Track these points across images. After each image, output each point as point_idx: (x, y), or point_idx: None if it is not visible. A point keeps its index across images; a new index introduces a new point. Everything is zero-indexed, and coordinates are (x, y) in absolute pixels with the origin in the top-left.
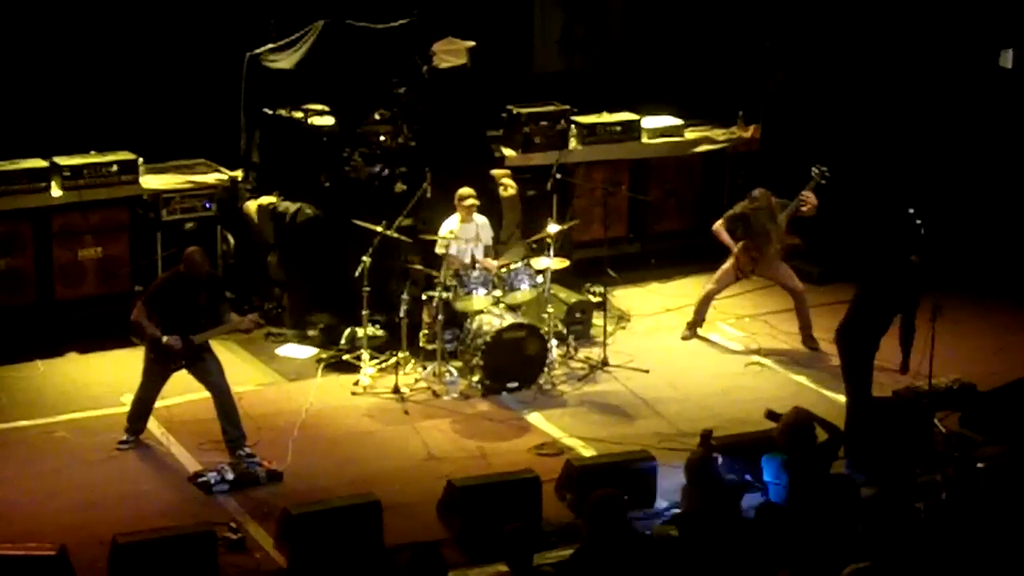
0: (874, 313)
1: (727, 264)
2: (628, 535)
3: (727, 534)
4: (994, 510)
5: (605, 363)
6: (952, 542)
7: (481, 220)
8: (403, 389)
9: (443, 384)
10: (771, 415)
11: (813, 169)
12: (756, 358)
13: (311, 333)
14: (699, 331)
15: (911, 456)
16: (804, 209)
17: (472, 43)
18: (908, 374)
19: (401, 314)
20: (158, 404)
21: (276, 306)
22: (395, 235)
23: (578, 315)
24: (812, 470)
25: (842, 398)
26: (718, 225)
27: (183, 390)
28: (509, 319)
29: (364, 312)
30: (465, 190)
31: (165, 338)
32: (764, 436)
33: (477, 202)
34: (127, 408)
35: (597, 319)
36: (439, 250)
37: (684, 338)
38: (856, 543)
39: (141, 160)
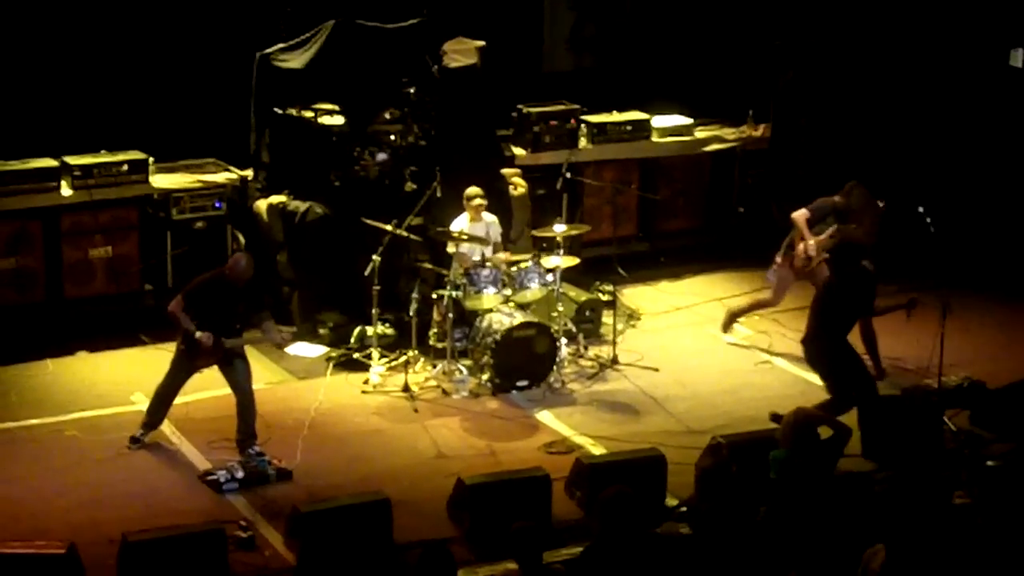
0: (831, 318)
1: (782, 272)
2: (640, 532)
3: (740, 533)
4: (1006, 507)
5: (615, 361)
6: (971, 540)
7: (490, 218)
8: (413, 387)
9: (453, 382)
10: (775, 418)
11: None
12: (766, 356)
13: (321, 331)
14: (730, 330)
15: (922, 454)
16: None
17: (482, 43)
18: (914, 373)
19: (411, 312)
20: None
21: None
22: (405, 234)
23: (588, 313)
24: (816, 468)
25: None
26: (801, 215)
27: (193, 389)
28: (519, 317)
29: (374, 311)
30: (473, 190)
31: (198, 333)
32: (773, 434)
33: (485, 202)
34: (137, 407)
35: (607, 317)
36: (449, 248)
37: (724, 331)
38: (865, 539)
39: (151, 159)
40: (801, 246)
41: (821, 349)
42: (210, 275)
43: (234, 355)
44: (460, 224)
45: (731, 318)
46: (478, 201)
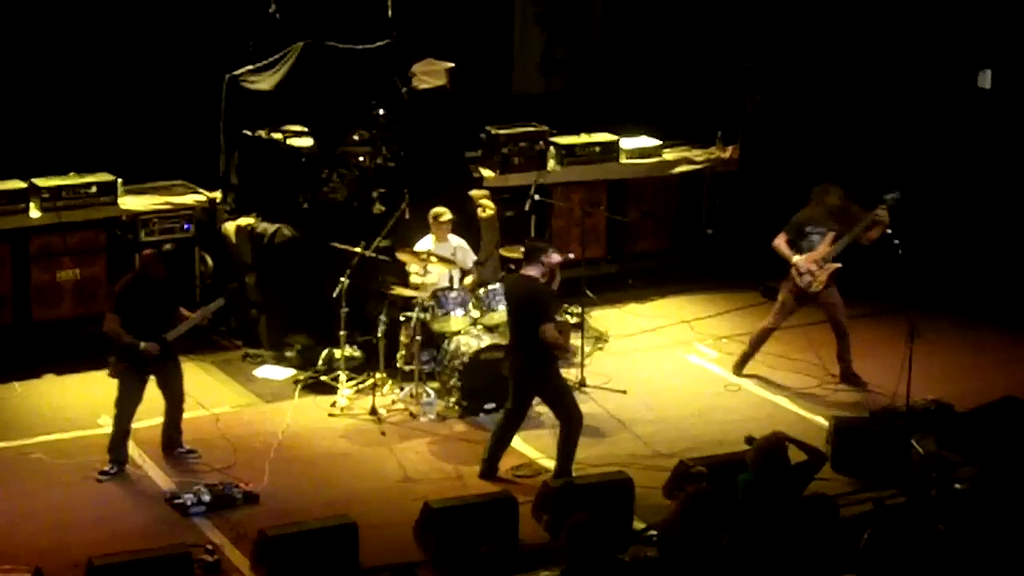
0: None
1: (782, 296)
2: (609, 559)
3: (706, 556)
4: (974, 530)
5: (583, 384)
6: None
7: (458, 241)
8: (380, 410)
9: (420, 405)
10: (750, 441)
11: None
12: (733, 379)
13: (288, 354)
14: (745, 369)
15: (889, 477)
16: (870, 235)
17: (451, 64)
18: (886, 396)
19: (379, 335)
20: (134, 426)
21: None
22: (373, 256)
23: None
24: (783, 492)
25: (821, 419)
26: (779, 240)
27: (159, 413)
28: (486, 340)
29: (342, 333)
30: (439, 208)
31: (142, 344)
32: (740, 457)
33: (450, 217)
34: (104, 430)
35: (575, 339)
36: (413, 279)
37: (736, 374)
38: (833, 563)
39: (120, 181)
40: (792, 270)
41: None
42: (127, 280)
43: (172, 351)
44: (425, 245)
45: (744, 360)
46: (447, 218)
